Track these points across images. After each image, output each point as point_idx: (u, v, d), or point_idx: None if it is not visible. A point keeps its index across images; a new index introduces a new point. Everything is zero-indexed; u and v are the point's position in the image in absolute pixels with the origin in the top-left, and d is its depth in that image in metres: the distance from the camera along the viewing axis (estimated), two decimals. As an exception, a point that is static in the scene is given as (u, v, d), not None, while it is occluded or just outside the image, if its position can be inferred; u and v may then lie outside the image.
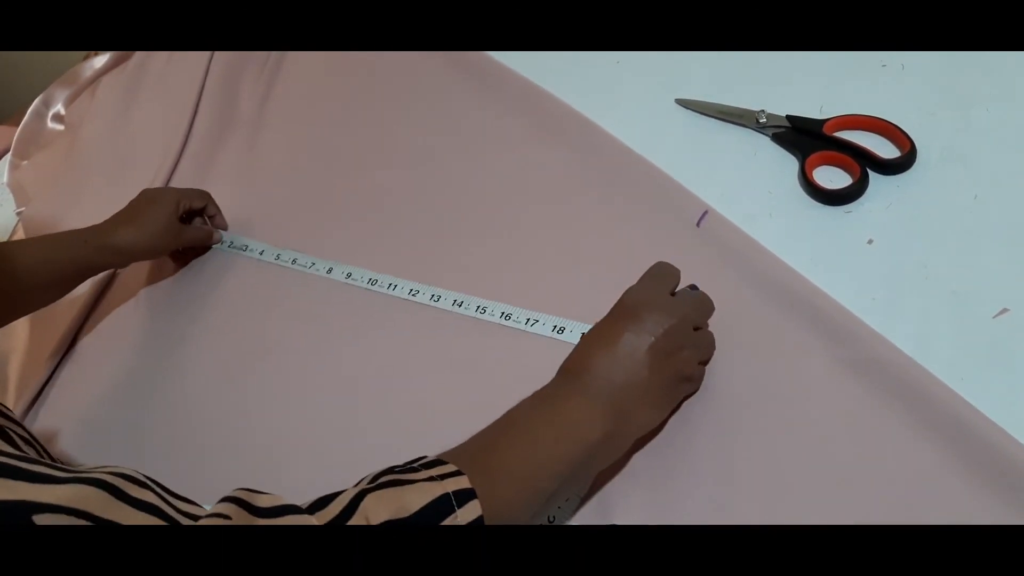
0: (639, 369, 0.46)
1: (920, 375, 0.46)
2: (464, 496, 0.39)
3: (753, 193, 0.60)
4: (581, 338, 0.49)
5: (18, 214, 1.02)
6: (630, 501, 0.50)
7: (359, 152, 0.82)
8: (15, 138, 1.08)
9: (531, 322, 0.60)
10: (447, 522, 0.38)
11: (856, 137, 0.59)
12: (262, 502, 0.37)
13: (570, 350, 0.49)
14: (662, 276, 0.51)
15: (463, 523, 0.38)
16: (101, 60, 1.14)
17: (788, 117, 0.62)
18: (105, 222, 0.74)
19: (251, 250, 0.79)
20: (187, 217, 0.78)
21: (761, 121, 0.63)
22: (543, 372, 0.48)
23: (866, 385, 0.48)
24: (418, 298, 0.66)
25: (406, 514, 0.38)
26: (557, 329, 0.59)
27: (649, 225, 0.61)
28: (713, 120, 0.66)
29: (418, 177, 0.76)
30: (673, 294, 0.50)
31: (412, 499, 0.38)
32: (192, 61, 1.02)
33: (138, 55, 1.09)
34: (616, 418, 0.45)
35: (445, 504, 0.38)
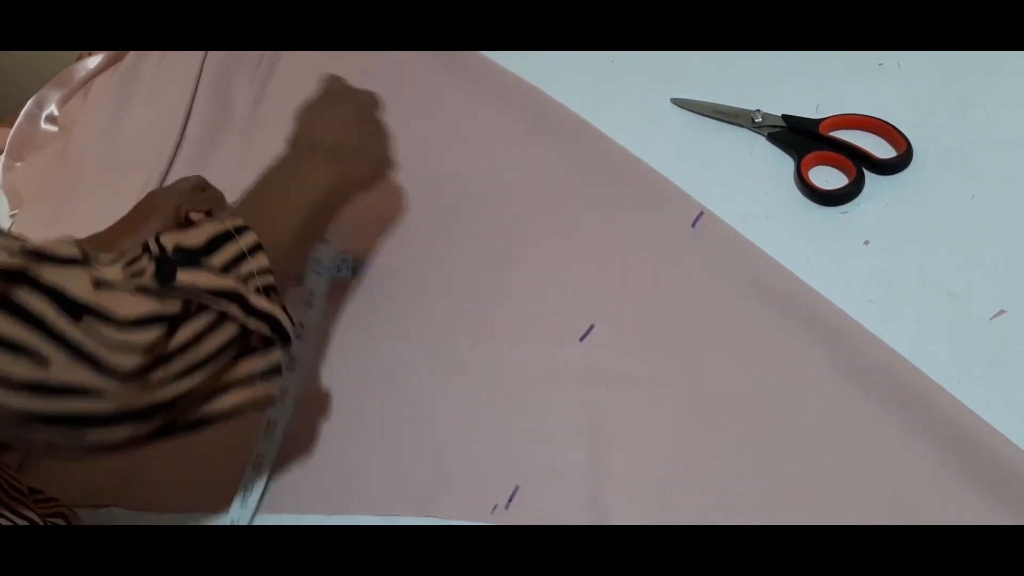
0: (350, 130, 0.57)
1: (916, 378, 0.46)
2: (240, 229, 0.44)
3: (749, 193, 0.59)
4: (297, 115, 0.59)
5: (12, 217, 1.02)
6: (623, 505, 0.49)
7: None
8: (8, 140, 1.07)
9: None
10: (231, 247, 0.43)
11: (852, 137, 0.58)
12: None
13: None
14: (333, 80, 0.63)
15: (247, 246, 0.44)
16: (94, 61, 1.13)
17: (784, 117, 0.61)
18: (105, 231, 0.73)
19: None
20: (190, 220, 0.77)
21: (757, 121, 0.62)
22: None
23: (862, 388, 0.48)
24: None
25: (193, 243, 0.42)
26: None
27: (644, 225, 0.61)
28: (709, 120, 0.65)
29: (412, 177, 0.76)
30: None
31: (198, 234, 0.43)
32: (185, 62, 1.01)
33: (131, 56, 1.08)
34: (339, 172, 0.54)
35: (226, 235, 0.44)
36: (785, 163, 0.60)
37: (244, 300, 0.42)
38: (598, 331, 0.57)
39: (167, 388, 0.39)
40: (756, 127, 0.62)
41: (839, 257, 0.54)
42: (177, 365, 0.39)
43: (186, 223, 0.75)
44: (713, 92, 0.66)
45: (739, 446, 0.49)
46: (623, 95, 0.71)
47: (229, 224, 0.44)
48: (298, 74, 0.95)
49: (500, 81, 0.78)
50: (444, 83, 0.81)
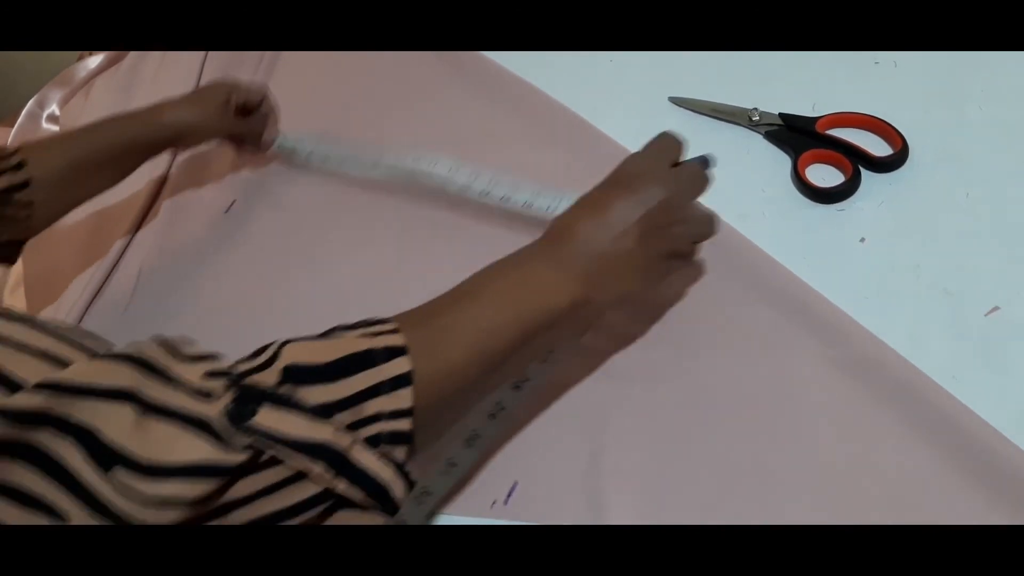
0: (624, 240, 0.44)
1: (912, 375, 0.47)
2: (392, 352, 0.37)
3: (746, 192, 0.60)
4: (576, 202, 0.48)
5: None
6: (622, 500, 0.50)
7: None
8: (9, 140, 1.08)
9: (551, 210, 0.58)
10: (367, 375, 0.36)
11: (849, 135, 0.59)
12: (191, 350, 0.35)
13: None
14: (664, 146, 0.49)
15: (387, 377, 0.36)
16: (95, 61, 1.14)
17: (781, 115, 0.62)
18: (162, 102, 0.76)
19: (299, 152, 0.81)
20: (244, 111, 0.80)
21: (754, 119, 0.63)
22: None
23: (858, 384, 0.48)
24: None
25: (316, 361, 0.36)
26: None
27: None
28: (706, 118, 0.66)
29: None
30: (676, 165, 0.48)
31: (331, 350, 0.36)
32: (185, 62, 1.02)
33: (132, 56, 1.09)
34: (591, 286, 0.44)
35: (366, 357, 0.36)
36: (782, 161, 0.60)
37: (340, 457, 0.34)
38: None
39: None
40: (753, 125, 0.63)
41: (836, 254, 0.54)
42: (238, 519, 0.32)
43: (239, 112, 0.79)
44: (711, 91, 0.67)
45: (736, 443, 0.49)
46: (621, 94, 0.72)
47: (380, 343, 0.37)
48: (298, 74, 0.96)
49: (498, 79, 0.78)
50: (443, 82, 0.82)
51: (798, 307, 0.52)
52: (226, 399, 0.32)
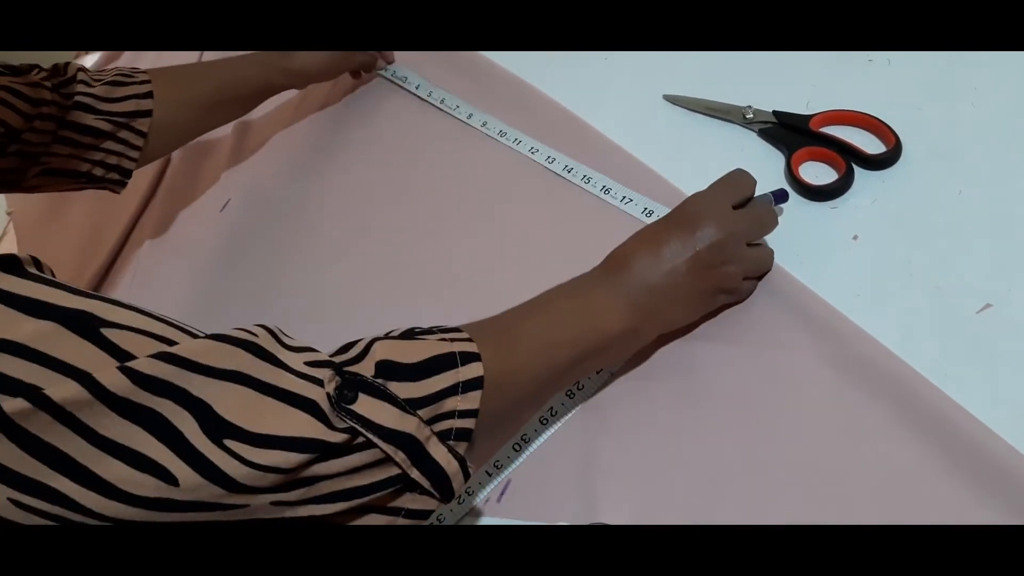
0: (677, 275, 0.48)
1: (905, 372, 0.47)
2: (468, 357, 0.40)
3: (740, 189, 0.60)
4: (634, 234, 0.51)
5: (9, 214, 1.03)
6: (615, 499, 0.50)
7: (348, 148, 0.82)
8: None
9: (625, 200, 0.63)
10: (447, 376, 0.39)
11: (842, 132, 0.59)
12: (290, 340, 0.38)
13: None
14: (731, 185, 0.52)
15: (463, 379, 0.40)
16: (92, 59, 1.14)
17: (775, 113, 0.62)
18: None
19: (409, 82, 0.83)
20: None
21: (748, 117, 0.63)
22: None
23: (851, 381, 0.48)
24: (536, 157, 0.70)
25: (405, 360, 0.39)
26: (646, 212, 0.61)
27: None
28: (700, 116, 0.66)
29: (408, 174, 0.76)
30: (743, 204, 0.51)
31: (417, 351, 0.40)
32: (182, 59, 1.01)
33: (126, 57, 1.09)
34: (641, 316, 0.48)
35: (448, 360, 0.40)
36: (776, 159, 0.60)
37: (419, 448, 0.37)
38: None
39: (301, 508, 0.36)
40: (747, 123, 0.63)
41: (829, 251, 0.54)
42: (322, 489, 0.36)
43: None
44: (704, 89, 0.67)
45: (729, 440, 0.49)
46: (616, 92, 0.72)
47: (458, 348, 0.41)
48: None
49: (494, 77, 0.78)
50: (439, 80, 0.82)
51: (791, 304, 0.52)
52: (331, 386, 0.36)
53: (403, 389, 0.38)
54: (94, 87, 0.68)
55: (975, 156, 0.54)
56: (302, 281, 0.73)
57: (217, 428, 0.32)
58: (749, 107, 0.63)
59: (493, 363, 0.41)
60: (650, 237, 0.50)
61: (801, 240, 0.55)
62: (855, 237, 0.54)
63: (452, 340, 0.41)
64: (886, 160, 0.56)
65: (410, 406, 0.37)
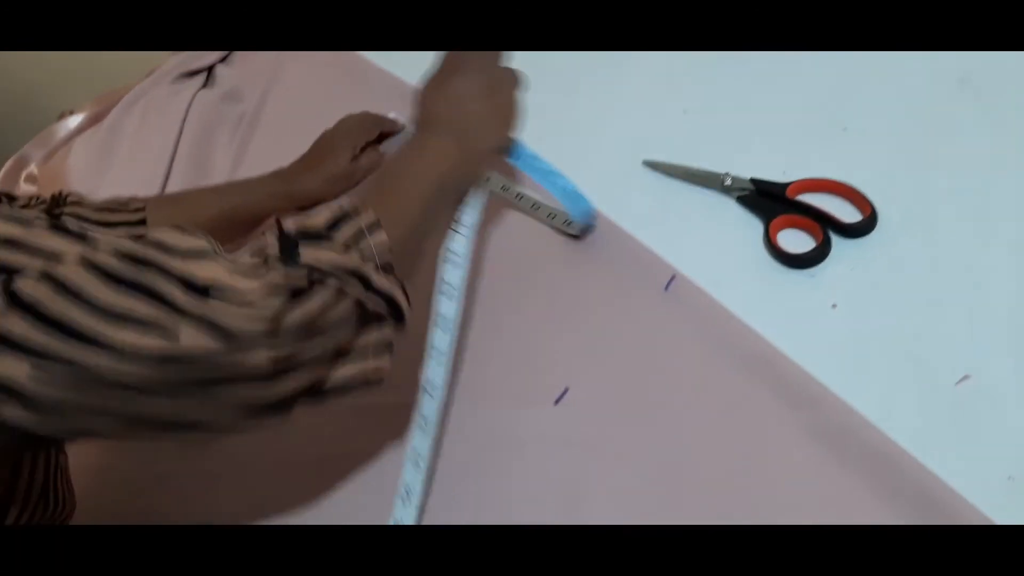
0: (474, 101, 0.56)
1: (885, 445, 0.47)
2: (358, 210, 0.47)
3: (719, 256, 0.60)
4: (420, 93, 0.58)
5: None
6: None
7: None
8: (-12, 198, 1.08)
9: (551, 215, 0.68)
10: (351, 224, 0.46)
11: (818, 200, 0.60)
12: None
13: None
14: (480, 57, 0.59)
15: (365, 224, 0.46)
16: (75, 120, 1.14)
17: (752, 180, 0.63)
18: (285, 169, 0.77)
19: None
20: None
21: (726, 184, 0.63)
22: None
23: (833, 454, 0.48)
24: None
25: (313, 225, 0.45)
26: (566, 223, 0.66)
27: (618, 288, 0.62)
28: (680, 183, 0.67)
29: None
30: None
31: (318, 217, 0.45)
32: (166, 121, 1.02)
33: (111, 115, 1.09)
34: (462, 148, 0.55)
35: (345, 215, 0.46)
36: (755, 226, 0.61)
37: (365, 277, 0.44)
38: (573, 394, 0.58)
39: (291, 348, 0.40)
40: (726, 190, 0.64)
41: (808, 321, 0.54)
42: (302, 332, 0.41)
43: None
44: (684, 155, 0.67)
45: (711, 512, 0.49)
46: (597, 156, 0.72)
47: (347, 206, 0.47)
48: (278, 131, 0.96)
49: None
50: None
51: (772, 375, 0.52)
52: (274, 248, 0.42)
53: (324, 244, 0.44)
54: (83, 209, 0.67)
55: (949, 225, 0.55)
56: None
57: (201, 290, 0.37)
58: (727, 174, 0.64)
59: (378, 208, 0.48)
60: (436, 89, 0.58)
61: (781, 309, 0.55)
62: (834, 306, 0.54)
63: (338, 205, 0.47)
64: (862, 228, 0.57)
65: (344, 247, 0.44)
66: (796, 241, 0.58)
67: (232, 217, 0.74)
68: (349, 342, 0.44)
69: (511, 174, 0.68)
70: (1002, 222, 0.54)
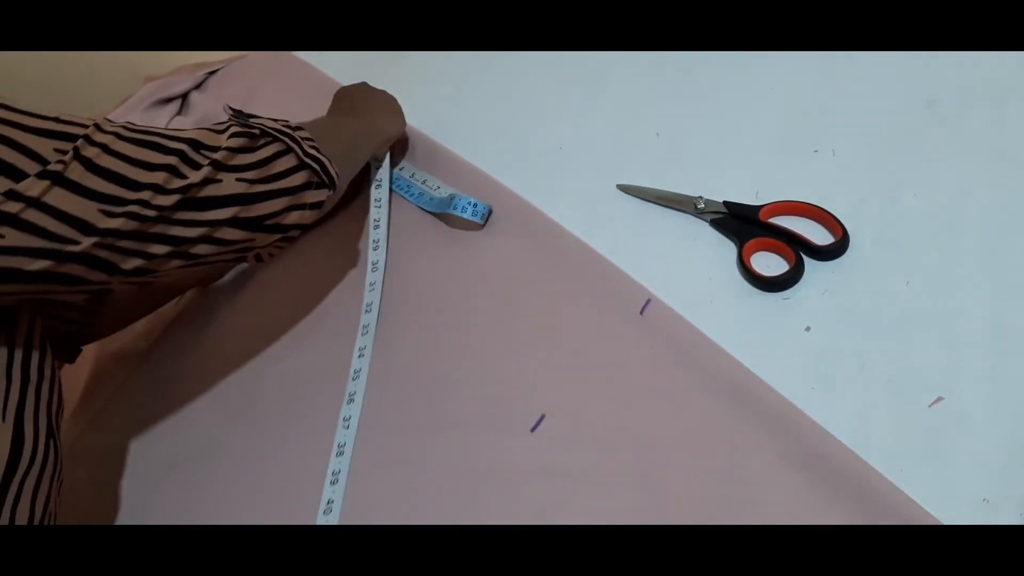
0: (372, 99, 0.81)
1: (860, 468, 0.46)
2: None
3: (693, 280, 0.60)
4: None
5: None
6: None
7: (311, 233, 0.82)
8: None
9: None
10: (279, 123, 0.61)
11: (791, 223, 0.60)
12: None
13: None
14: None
15: (292, 125, 0.61)
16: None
17: (725, 203, 0.63)
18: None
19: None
20: None
21: (699, 207, 0.64)
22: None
23: (807, 477, 0.48)
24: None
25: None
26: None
27: (594, 313, 0.61)
28: (653, 206, 0.67)
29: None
30: None
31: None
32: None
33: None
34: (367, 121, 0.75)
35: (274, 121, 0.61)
36: (728, 249, 0.61)
37: (300, 145, 0.60)
38: (549, 421, 0.57)
39: (259, 205, 0.57)
40: (699, 213, 0.64)
41: (782, 343, 0.54)
42: (262, 180, 0.57)
43: None
44: (657, 178, 0.68)
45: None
46: (570, 181, 0.73)
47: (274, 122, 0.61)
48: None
49: (453, 167, 0.79)
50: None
51: (746, 397, 0.52)
52: (231, 124, 0.58)
53: (265, 119, 0.61)
54: None
55: (920, 246, 0.55)
56: (259, 375, 0.72)
57: (191, 142, 0.53)
58: (700, 197, 0.64)
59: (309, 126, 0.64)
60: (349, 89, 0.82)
61: (756, 332, 0.55)
62: (807, 328, 0.54)
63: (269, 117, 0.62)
64: (834, 251, 0.57)
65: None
66: (769, 264, 0.59)
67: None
68: (297, 196, 0.60)
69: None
70: (973, 243, 0.54)
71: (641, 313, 0.59)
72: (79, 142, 0.47)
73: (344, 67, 1.02)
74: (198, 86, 1.13)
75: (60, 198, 0.45)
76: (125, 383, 0.79)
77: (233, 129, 0.56)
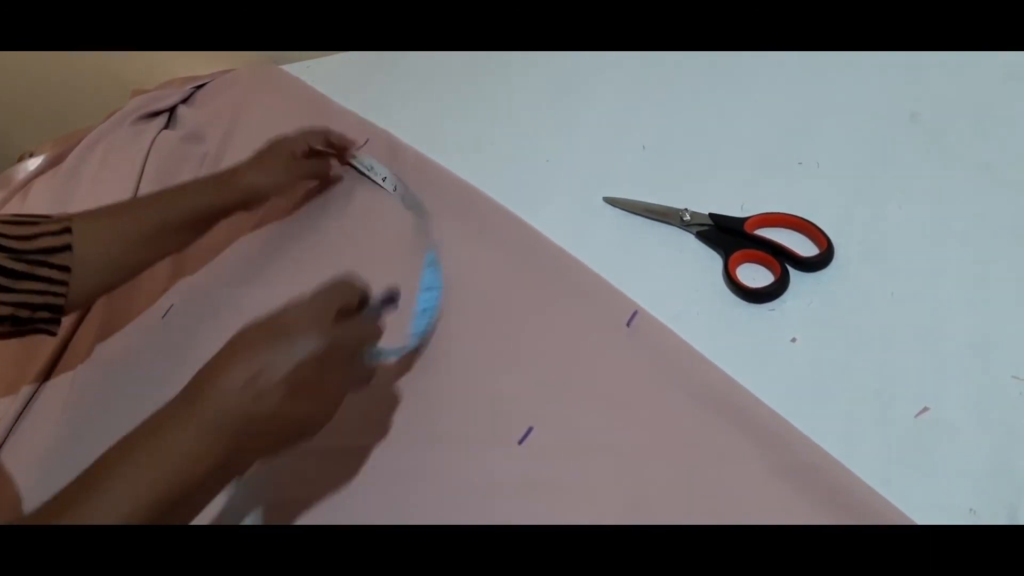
0: (271, 396, 0.43)
1: (847, 479, 0.46)
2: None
3: (680, 292, 0.60)
4: (228, 344, 0.45)
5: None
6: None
7: (295, 246, 0.82)
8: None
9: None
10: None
11: (776, 235, 0.60)
12: None
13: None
14: (333, 293, 0.48)
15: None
16: (35, 163, 1.13)
17: (711, 215, 0.63)
18: (233, 167, 0.79)
19: (376, 172, 0.84)
20: (312, 153, 0.83)
21: (685, 219, 0.64)
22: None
23: (795, 489, 0.48)
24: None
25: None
26: None
27: (581, 325, 0.61)
28: (640, 218, 0.67)
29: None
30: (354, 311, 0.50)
31: None
32: (127, 161, 1.01)
33: (71, 158, 1.08)
34: (229, 451, 0.43)
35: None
36: (714, 261, 0.61)
37: None
38: (536, 433, 0.57)
39: None
40: (685, 225, 0.64)
41: (768, 355, 0.54)
42: None
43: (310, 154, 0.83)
44: (643, 191, 0.68)
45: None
46: (557, 194, 0.73)
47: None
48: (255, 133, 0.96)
49: (436, 179, 0.79)
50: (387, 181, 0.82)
51: (734, 411, 0.52)
52: None
53: None
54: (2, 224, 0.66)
55: (904, 257, 0.56)
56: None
57: None
58: (686, 209, 0.64)
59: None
60: (241, 350, 0.44)
61: (742, 343, 0.55)
62: (794, 339, 0.54)
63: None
64: (819, 262, 0.57)
65: None
66: (755, 275, 0.59)
67: (179, 216, 0.74)
68: None
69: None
70: (957, 254, 0.55)
71: (628, 325, 0.59)
72: None
73: (331, 79, 1.02)
74: (185, 100, 1.12)
75: None
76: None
77: None
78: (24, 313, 0.67)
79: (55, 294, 0.68)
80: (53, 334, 0.71)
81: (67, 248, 0.68)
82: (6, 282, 0.65)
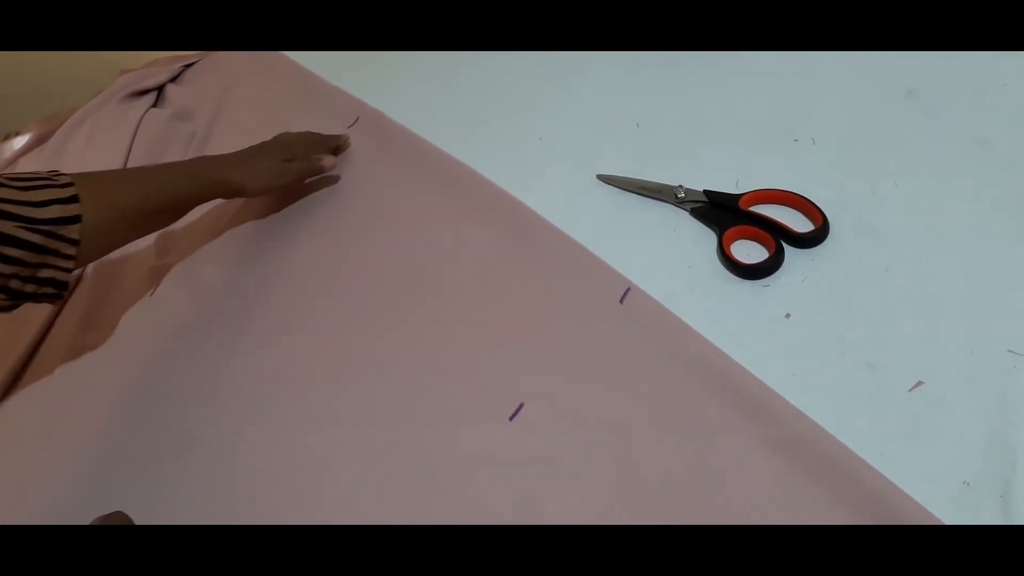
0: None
1: (840, 452, 0.46)
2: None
3: (674, 268, 0.60)
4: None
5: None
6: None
7: (284, 226, 0.81)
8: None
9: None
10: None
11: (771, 211, 0.60)
12: None
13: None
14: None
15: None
16: (21, 141, 1.11)
17: (705, 192, 0.63)
18: (223, 157, 0.80)
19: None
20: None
21: (680, 196, 0.63)
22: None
23: (788, 463, 0.47)
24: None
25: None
26: None
27: (574, 302, 0.61)
28: (634, 196, 0.66)
29: (343, 253, 0.75)
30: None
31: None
32: (114, 139, 1.00)
33: (57, 135, 1.07)
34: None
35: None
36: (708, 237, 0.61)
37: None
38: (528, 409, 0.56)
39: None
40: (679, 202, 0.63)
41: (762, 331, 0.54)
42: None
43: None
44: (637, 168, 0.67)
45: (664, 523, 0.48)
46: (550, 171, 0.72)
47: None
48: (230, 150, 0.94)
49: (429, 157, 0.78)
50: (375, 160, 0.82)
51: (728, 386, 0.52)
52: None
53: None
54: (7, 188, 0.62)
55: (899, 233, 0.55)
56: (236, 369, 0.71)
57: None
58: (680, 186, 0.64)
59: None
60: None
61: (736, 319, 0.55)
62: (788, 315, 0.54)
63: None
64: (814, 238, 0.57)
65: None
66: (750, 252, 0.58)
67: (166, 197, 0.73)
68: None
69: None
70: (951, 230, 0.54)
71: (621, 302, 0.59)
72: None
73: (322, 62, 1.01)
74: (174, 78, 1.11)
75: None
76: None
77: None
78: (31, 288, 0.64)
79: (63, 268, 0.64)
80: (54, 303, 0.69)
81: (77, 219, 0.64)
82: (22, 255, 0.61)
